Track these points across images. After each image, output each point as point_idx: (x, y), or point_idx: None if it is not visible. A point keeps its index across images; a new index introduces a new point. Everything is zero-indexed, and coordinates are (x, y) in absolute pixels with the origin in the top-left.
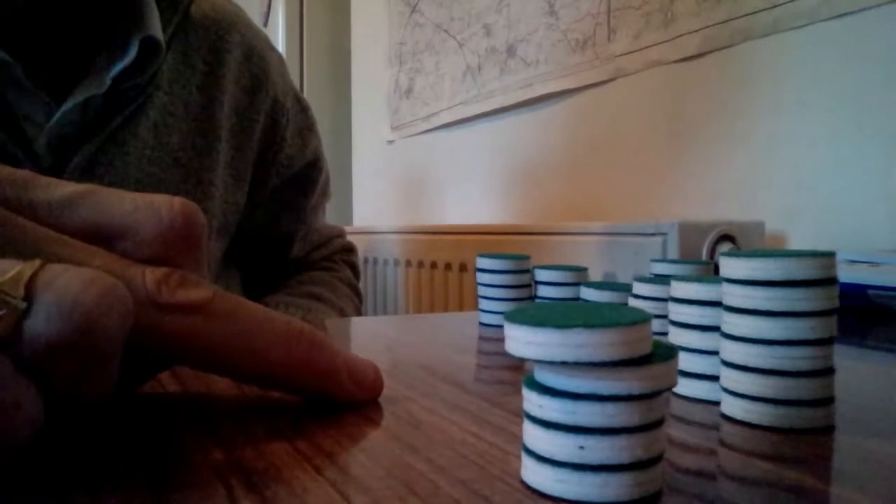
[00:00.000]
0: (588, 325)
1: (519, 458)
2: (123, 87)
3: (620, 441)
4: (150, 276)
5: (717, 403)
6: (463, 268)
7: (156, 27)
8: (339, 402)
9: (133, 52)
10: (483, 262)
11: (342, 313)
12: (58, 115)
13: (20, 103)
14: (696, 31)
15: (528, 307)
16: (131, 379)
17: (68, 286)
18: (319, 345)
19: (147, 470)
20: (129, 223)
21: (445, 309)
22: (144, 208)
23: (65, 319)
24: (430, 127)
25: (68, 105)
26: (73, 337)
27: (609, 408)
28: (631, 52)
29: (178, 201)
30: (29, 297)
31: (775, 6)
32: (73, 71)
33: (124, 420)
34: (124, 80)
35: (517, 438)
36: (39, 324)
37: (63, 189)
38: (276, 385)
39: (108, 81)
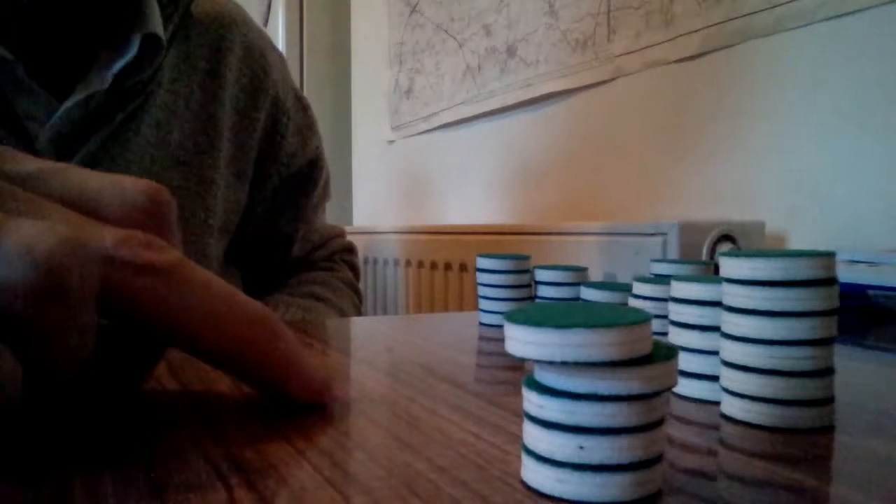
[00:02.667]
0: (588, 325)
1: (519, 458)
2: (125, 84)
3: (620, 441)
4: (111, 233)
5: (717, 403)
6: (463, 268)
7: (157, 24)
8: (288, 400)
9: (134, 50)
10: (483, 262)
11: (342, 313)
12: (59, 112)
13: (22, 101)
14: (696, 31)
15: (528, 307)
16: (126, 369)
17: (24, 234)
18: (283, 336)
19: (147, 469)
20: (96, 200)
21: (445, 309)
22: (111, 187)
23: (24, 263)
24: (430, 127)
25: (70, 103)
26: (35, 280)
27: (609, 408)
28: (631, 52)
29: (144, 182)
30: None
31: (775, 6)
32: (74, 69)
33: (124, 419)
34: (126, 78)
35: (517, 438)
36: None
37: (35, 163)
38: (229, 366)
39: (109, 79)
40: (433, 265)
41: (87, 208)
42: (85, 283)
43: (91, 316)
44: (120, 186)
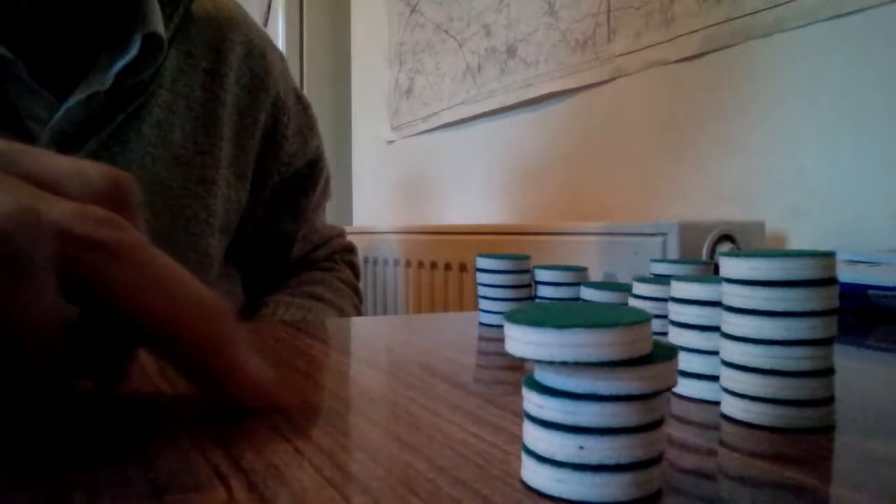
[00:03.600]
0: (588, 325)
1: (519, 458)
2: (126, 84)
3: (620, 441)
4: (67, 206)
5: (717, 403)
6: (463, 268)
7: (158, 24)
8: (231, 396)
9: (135, 49)
10: (483, 262)
11: (342, 313)
12: (60, 112)
13: (23, 101)
14: (696, 31)
15: (528, 307)
16: (99, 366)
17: None
18: (234, 335)
19: (147, 470)
20: (57, 181)
21: (445, 309)
22: (73, 170)
23: None
24: (430, 127)
25: (71, 102)
26: None
27: (609, 408)
28: (631, 52)
29: (107, 168)
30: None
31: (775, 6)
32: (75, 68)
33: (124, 420)
34: (127, 77)
35: (517, 438)
36: None
37: (3, 144)
38: (178, 358)
39: (110, 78)
40: (433, 265)
41: (49, 188)
42: (38, 249)
43: (50, 285)
44: (82, 172)
